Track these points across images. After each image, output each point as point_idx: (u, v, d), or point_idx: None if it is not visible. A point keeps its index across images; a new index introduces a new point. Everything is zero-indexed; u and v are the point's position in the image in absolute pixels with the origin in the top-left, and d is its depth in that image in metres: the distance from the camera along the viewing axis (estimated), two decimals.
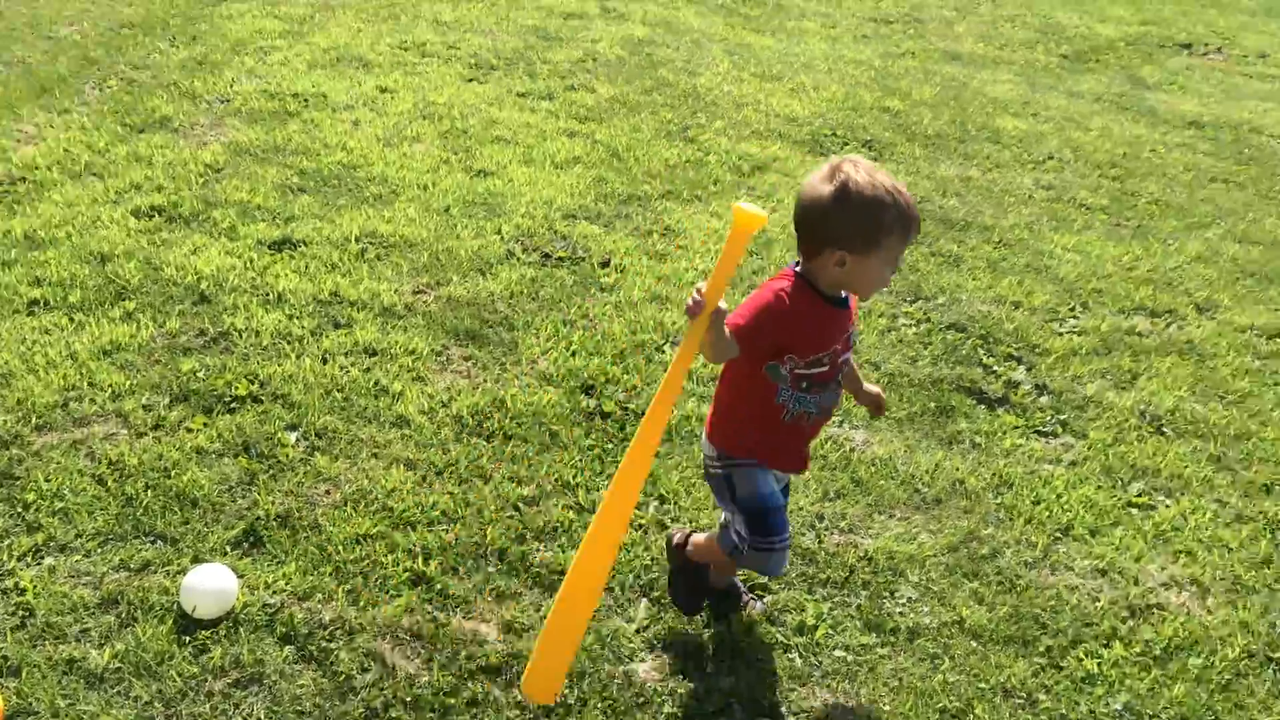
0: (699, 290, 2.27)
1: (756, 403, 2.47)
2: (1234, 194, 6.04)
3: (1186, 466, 3.62)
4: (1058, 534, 3.27)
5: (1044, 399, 3.96)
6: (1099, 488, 3.49)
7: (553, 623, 2.39)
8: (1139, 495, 3.48)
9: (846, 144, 6.18)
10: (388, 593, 2.78)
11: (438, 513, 3.05)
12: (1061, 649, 2.84)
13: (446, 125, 5.80)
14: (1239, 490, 3.54)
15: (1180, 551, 3.24)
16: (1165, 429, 3.84)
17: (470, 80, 6.57)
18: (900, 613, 2.91)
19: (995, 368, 4.12)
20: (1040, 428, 3.80)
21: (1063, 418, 3.86)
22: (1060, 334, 4.41)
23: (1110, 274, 4.94)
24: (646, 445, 2.37)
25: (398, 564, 2.86)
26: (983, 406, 3.88)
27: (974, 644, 2.84)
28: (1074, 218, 5.54)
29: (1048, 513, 3.35)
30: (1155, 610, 3.00)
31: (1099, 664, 2.80)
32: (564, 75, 6.80)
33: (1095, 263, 5.04)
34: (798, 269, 2.43)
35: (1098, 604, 3.00)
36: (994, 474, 3.51)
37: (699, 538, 2.78)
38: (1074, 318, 4.56)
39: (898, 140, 6.34)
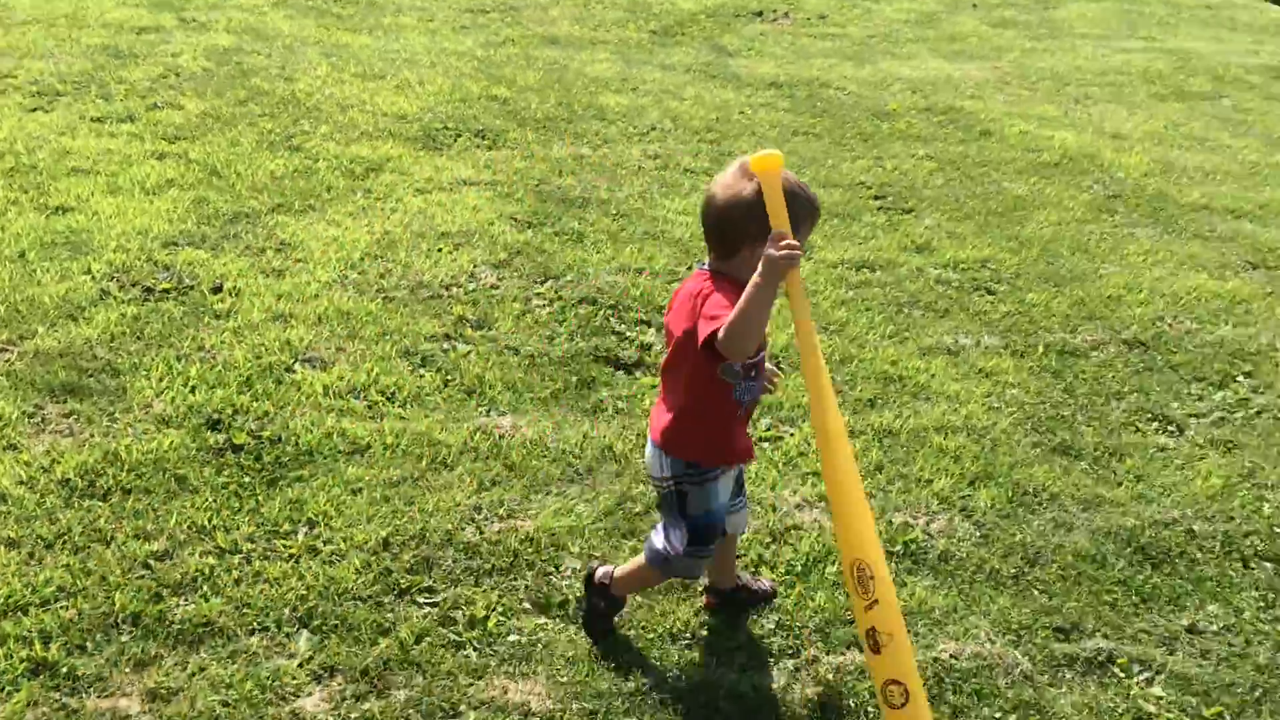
0: (780, 238, 2.22)
1: (716, 405, 2.50)
2: (813, 144, 6.65)
3: (803, 396, 3.95)
4: None
5: None
6: None
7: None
8: (767, 430, 3.76)
9: (459, 136, 6.18)
10: (2, 690, 2.45)
11: (53, 590, 2.73)
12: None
13: (10, 163, 5.18)
14: (849, 408, 3.91)
15: (807, 474, 3.54)
16: (782, 365, 4.17)
17: (34, 110, 5.92)
18: (567, 585, 2.96)
19: (627, 333, 4.29)
20: None
21: None
22: None
23: None
24: (831, 415, 2.31)
25: (10, 656, 2.53)
26: (621, 372, 4.03)
27: (638, 600, 2.94)
28: (681, 182, 5.86)
29: None
30: (793, 531, 3.26)
31: None
32: (144, 94, 6.28)
33: None
34: (709, 268, 2.46)
35: (744, 536, 3.21)
36: (639, 434, 3.65)
37: (621, 570, 2.76)
38: None
39: (509, 127, 6.42)
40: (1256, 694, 2.82)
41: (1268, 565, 3.30)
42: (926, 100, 7.65)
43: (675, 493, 2.58)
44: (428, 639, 2.73)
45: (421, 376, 3.83)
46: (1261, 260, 5.46)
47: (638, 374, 4.02)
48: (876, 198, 5.90)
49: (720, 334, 2.27)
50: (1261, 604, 3.14)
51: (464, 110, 6.58)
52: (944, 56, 8.98)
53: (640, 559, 2.73)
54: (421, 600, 2.86)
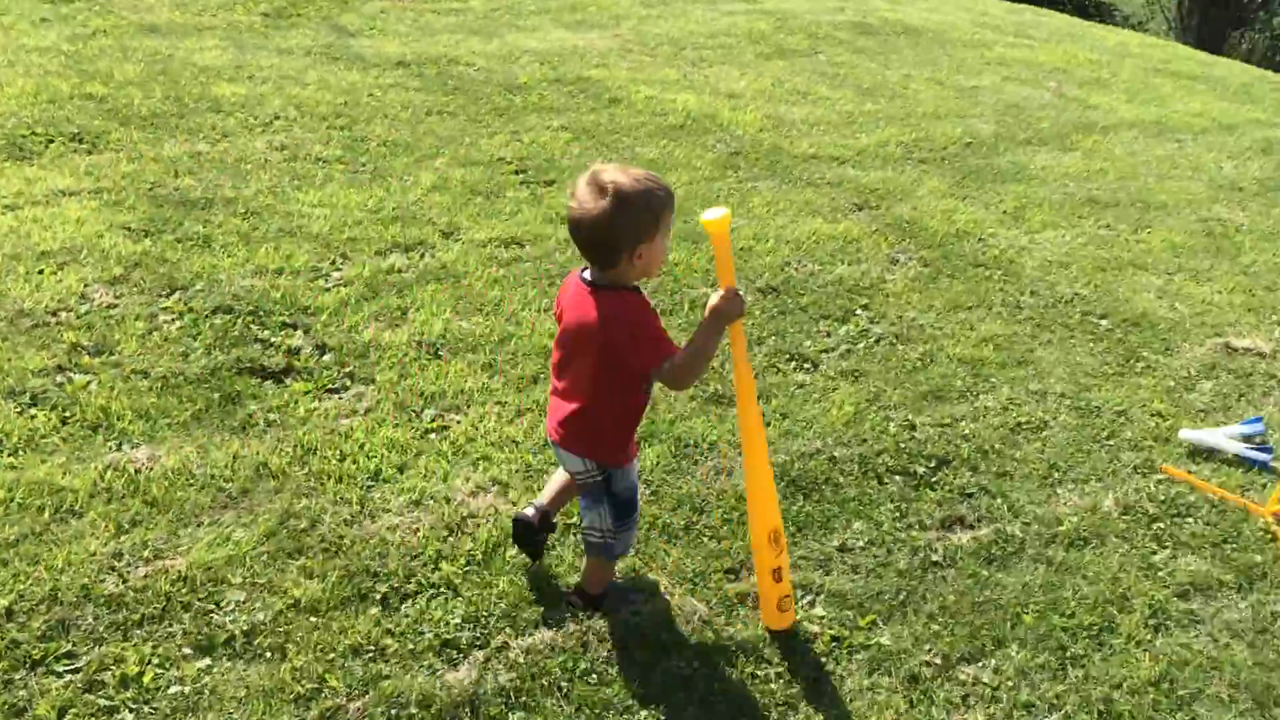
0: (731, 294, 2.54)
1: (629, 407, 2.72)
2: (449, 123, 6.56)
3: (466, 380, 3.90)
4: (369, 482, 3.33)
5: (327, 357, 3.98)
6: (397, 425, 3.62)
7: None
8: (432, 420, 3.67)
9: (51, 141, 5.52)
10: None
11: None
12: (396, 590, 2.92)
13: None
14: (512, 388, 3.91)
15: (479, 459, 3.49)
16: (441, 352, 4.09)
17: None
18: (231, 620, 2.75)
19: (272, 339, 4.03)
20: (330, 386, 3.81)
21: (349, 370, 3.91)
22: (328, 289, 4.44)
23: (360, 220, 5.08)
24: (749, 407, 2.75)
25: None
26: (269, 382, 3.79)
27: (314, 619, 2.79)
28: (314, 173, 5.58)
29: (355, 465, 3.39)
30: (469, 520, 3.21)
31: (434, 590, 2.92)
32: None
33: (344, 212, 5.14)
34: (591, 281, 2.59)
35: (419, 534, 3.13)
36: (295, 445, 3.45)
37: (584, 577, 2.94)
38: (337, 270, 4.62)
39: (110, 127, 5.81)
40: (901, 597, 3.13)
41: (898, 478, 3.66)
42: (556, 71, 7.76)
43: (603, 479, 2.75)
44: (72, 710, 2.44)
45: (33, 417, 3.40)
46: (865, 201, 6.02)
47: (288, 381, 3.80)
48: (518, 172, 5.91)
49: (668, 372, 2.55)
50: (896, 514, 3.48)
51: (54, 112, 5.88)
52: (567, 27, 9.15)
53: (589, 558, 2.91)
54: (61, 668, 2.55)
